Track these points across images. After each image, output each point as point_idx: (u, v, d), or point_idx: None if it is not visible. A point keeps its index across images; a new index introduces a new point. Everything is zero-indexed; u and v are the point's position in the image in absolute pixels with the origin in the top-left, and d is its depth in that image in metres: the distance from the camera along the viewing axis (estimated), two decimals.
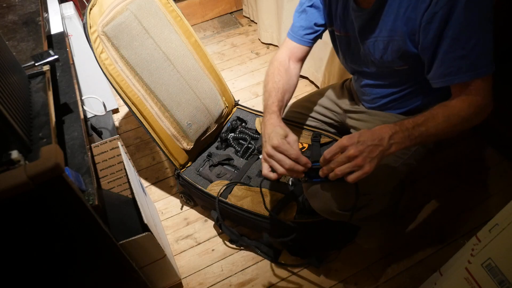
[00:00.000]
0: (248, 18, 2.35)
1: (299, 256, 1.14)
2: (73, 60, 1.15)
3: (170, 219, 1.36)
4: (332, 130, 1.21)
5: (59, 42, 1.07)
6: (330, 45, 1.58)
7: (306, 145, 1.18)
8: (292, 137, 0.81)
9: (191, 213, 1.37)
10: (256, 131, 1.31)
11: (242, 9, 2.40)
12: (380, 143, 0.69)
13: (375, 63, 0.89)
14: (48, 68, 0.82)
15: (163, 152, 1.15)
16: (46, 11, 1.22)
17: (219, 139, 1.33)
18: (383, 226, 1.17)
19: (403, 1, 0.75)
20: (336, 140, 1.17)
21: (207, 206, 1.24)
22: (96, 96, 1.37)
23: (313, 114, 1.21)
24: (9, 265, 0.60)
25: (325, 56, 1.64)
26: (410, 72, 0.87)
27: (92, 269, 0.73)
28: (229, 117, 1.38)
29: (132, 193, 0.97)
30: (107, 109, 1.71)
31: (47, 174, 0.48)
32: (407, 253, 1.18)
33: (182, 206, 1.40)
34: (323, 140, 1.18)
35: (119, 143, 1.07)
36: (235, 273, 1.19)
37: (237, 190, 1.13)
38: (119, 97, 1.07)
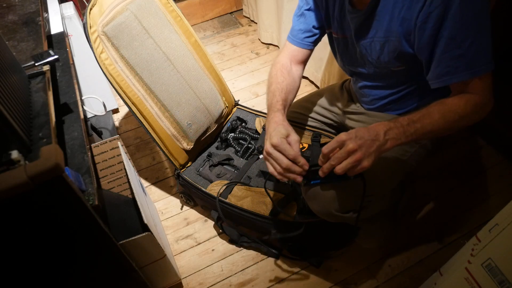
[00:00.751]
0: (248, 18, 2.35)
1: (299, 256, 1.14)
2: (73, 60, 1.15)
3: (170, 219, 1.36)
4: (332, 130, 1.22)
5: (59, 42, 1.07)
6: (329, 44, 1.58)
7: (306, 145, 1.18)
8: (293, 137, 0.81)
9: (191, 213, 1.37)
10: (256, 131, 1.31)
11: (242, 9, 2.40)
12: (377, 138, 0.70)
13: (373, 64, 0.89)
14: (48, 68, 0.82)
15: (163, 152, 1.15)
16: (46, 11, 1.22)
17: (219, 139, 1.33)
18: (383, 226, 1.17)
19: (398, 1, 0.74)
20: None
21: (207, 206, 1.24)
22: (96, 96, 1.37)
23: (312, 115, 1.21)
24: (9, 265, 0.60)
25: (325, 56, 1.64)
26: (407, 72, 0.87)
27: (92, 269, 0.73)
28: (229, 117, 1.38)
29: (132, 193, 0.97)
30: (107, 109, 1.71)
31: (47, 174, 0.48)
32: (407, 253, 1.18)
33: (182, 206, 1.40)
34: (323, 140, 1.18)
35: (119, 143, 1.07)
36: (235, 273, 1.19)
37: (237, 190, 1.13)
38: (119, 97, 1.07)
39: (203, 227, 1.32)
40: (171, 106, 1.13)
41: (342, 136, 0.70)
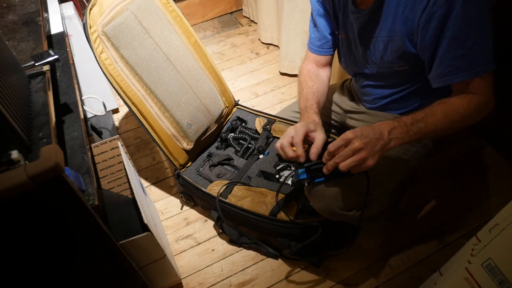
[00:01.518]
0: (248, 18, 2.35)
1: (299, 256, 1.14)
2: (73, 60, 1.15)
3: (170, 219, 1.36)
4: (332, 130, 1.22)
5: (59, 42, 1.07)
6: None
7: (306, 145, 1.18)
8: (319, 134, 0.84)
9: (191, 213, 1.37)
10: (256, 131, 1.31)
11: (242, 9, 2.40)
12: (381, 137, 0.70)
13: (376, 64, 0.90)
14: (48, 68, 0.82)
15: (163, 152, 1.15)
16: (46, 11, 1.22)
17: (219, 139, 1.33)
18: (383, 226, 1.17)
19: (401, 1, 0.75)
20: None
21: (207, 206, 1.24)
22: (96, 96, 1.37)
23: None
24: (9, 265, 0.60)
25: None
26: (410, 72, 0.87)
27: (92, 269, 0.73)
28: (229, 117, 1.38)
29: (132, 193, 0.97)
30: (107, 109, 1.71)
31: (47, 174, 0.48)
32: (407, 253, 1.18)
33: (182, 206, 1.40)
34: None
35: (119, 143, 1.07)
36: (235, 273, 1.19)
37: (237, 190, 1.13)
38: (119, 97, 1.07)
39: (203, 227, 1.32)
40: (171, 106, 1.13)
41: (348, 134, 0.70)
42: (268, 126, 1.29)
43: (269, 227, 1.06)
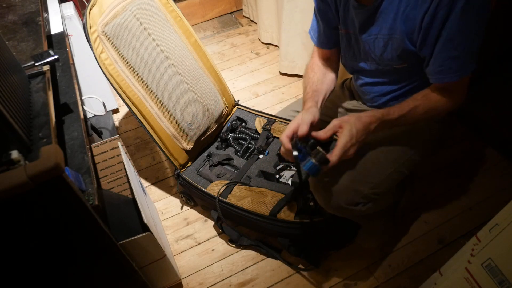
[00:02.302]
0: (248, 18, 2.35)
1: (299, 256, 1.14)
2: (73, 60, 1.14)
3: (170, 219, 1.36)
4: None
5: (59, 42, 1.07)
6: None
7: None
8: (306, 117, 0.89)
9: (191, 213, 1.37)
10: (256, 131, 1.31)
11: (242, 9, 2.40)
12: (367, 131, 0.80)
13: (375, 61, 0.90)
14: (48, 68, 0.82)
15: (163, 152, 1.15)
16: (46, 11, 1.22)
17: (219, 139, 1.33)
18: (383, 226, 1.17)
19: (403, 1, 0.76)
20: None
21: (207, 206, 1.24)
22: (96, 96, 1.37)
23: None
24: (9, 265, 0.60)
25: None
26: (409, 70, 0.88)
27: (92, 269, 0.73)
28: (229, 117, 1.38)
29: (132, 193, 0.97)
30: (107, 109, 1.71)
31: (47, 174, 0.48)
32: (407, 253, 1.18)
33: (182, 206, 1.40)
34: None
35: (119, 143, 1.07)
36: (235, 273, 1.19)
37: (237, 190, 1.13)
38: (119, 97, 1.07)
39: (203, 227, 1.32)
40: (171, 106, 1.13)
41: (346, 140, 0.77)
42: (268, 126, 1.29)
43: (269, 227, 1.06)
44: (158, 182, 1.50)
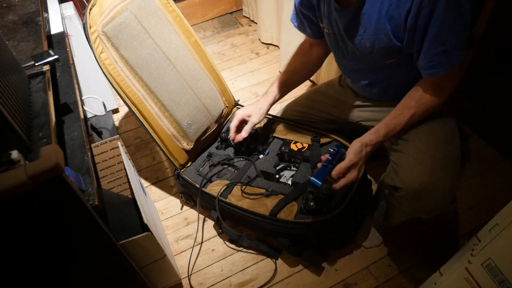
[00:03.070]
0: (248, 18, 2.35)
1: (299, 256, 1.14)
2: (73, 60, 1.15)
3: (170, 219, 1.36)
4: (334, 127, 1.21)
5: (59, 42, 1.07)
6: None
7: (306, 145, 1.18)
8: (253, 118, 1.13)
9: (191, 213, 1.37)
10: (256, 131, 1.31)
11: (242, 9, 2.40)
12: (364, 154, 0.86)
13: (364, 59, 0.91)
14: (48, 68, 0.82)
15: (163, 152, 1.15)
16: (46, 11, 1.22)
17: (219, 139, 1.33)
18: (383, 226, 1.17)
19: (384, 1, 0.76)
20: (336, 140, 1.17)
21: (207, 206, 1.24)
22: (96, 96, 1.37)
23: (315, 112, 1.21)
24: (9, 264, 0.60)
25: None
26: (399, 64, 0.89)
27: (92, 269, 0.73)
28: (229, 117, 1.38)
29: (132, 193, 0.97)
30: (107, 109, 1.71)
31: (47, 174, 0.48)
32: (407, 253, 1.18)
33: (182, 206, 1.40)
34: (323, 140, 1.18)
35: (119, 143, 1.07)
36: (235, 273, 1.19)
37: (237, 190, 1.13)
38: (119, 97, 1.07)
39: (203, 227, 1.32)
40: (171, 106, 1.13)
41: (353, 161, 0.84)
42: (268, 126, 1.29)
43: (269, 227, 1.06)
44: (158, 182, 1.50)
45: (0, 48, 0.68)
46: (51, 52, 0.82)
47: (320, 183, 0.81)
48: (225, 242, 1.27)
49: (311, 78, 1.85)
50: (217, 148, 1.32)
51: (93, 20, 0.99)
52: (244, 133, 1.12)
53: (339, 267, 1.17)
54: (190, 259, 1.22)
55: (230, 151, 1.29)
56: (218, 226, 1.22)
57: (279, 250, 1.20)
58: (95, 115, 1.55)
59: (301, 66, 1.14)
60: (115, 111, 1.82)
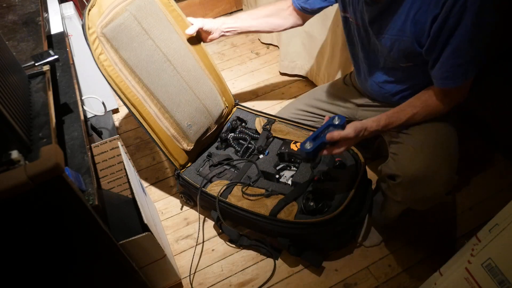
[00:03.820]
0: None
1: (299, 256, 1.14)
2: (73, 60, 1.15)
3: (170, 219, 1.36)
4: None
5: (59, 42, 1.07)
6: (329, 45, 1.58)
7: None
8: (206, 24, 1.18)
9: (191, 213, 1.37)
10: (256, 131, 1.31)
11: (242, 9, 2.39)
12: (359, 136, 0.87)
13: (382, 56, 0.92)
14: (48, 68, 0.82)
15: (163, 152, 1.15)
16: (46, 11, 1.22)
17: (219, 139, 1.33)
18: (384, 225, 1.17)
19: (414, 3, 0.77)
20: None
21: (207, 206, 1.24)
22: (96, 96, 1.37)
23: (318, 112, 1.22)
24: (9, 265, 0.60)
25: (324, 56, 1.63)
26: (415, 69, 0.89)
27: (92, 269, 0.73)
28: (229, 117, 1.38)
29: (132, 193, 0.97)
30: (107, 109, 1.71)
31: (47, 174, 0.48)
32: (407, 253, 1.18)
33: (182, 206, 1.40)
34: None
35: (119, 143, 1.07)
36: (235, 273, 1.19)
37: (237, 190, 1.13)
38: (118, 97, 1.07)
39: (203, 227, 1.32)
40: (170, 107, 1.13)
41: (351, 135, 0.85)
42: (268, 126, 1.29)
43: (269, 227, 1.06)
44: (158, 182, 1.50)
45: (0, 48, 0.68)
46: (51, 52, 0.82)
47: (311, 150, 0.84)
48: (225, 242, 1.27)
49: (310, 79, 1.85)
50: (217, 148, 1.32)
51: (92, 21, 0.99)
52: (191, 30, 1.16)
53: (339, 267, 1.17)
54: (193, 258, 1.22)
55: (230, 151, 1.29)
56: (218, 226, 1.22)
57: (279, 250, 1.20)
58: (95, 115, 1.55)
59: (271, 20, 1.18)
60: (115, 111, 1.82)
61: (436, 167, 0.86)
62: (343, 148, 0.87)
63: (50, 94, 0.77)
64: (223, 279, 1.18)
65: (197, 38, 1.25)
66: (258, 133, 1.30)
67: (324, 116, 1.21)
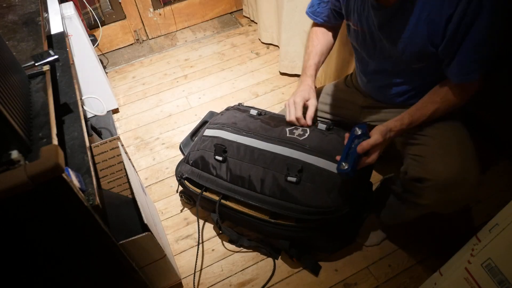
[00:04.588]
0: (248, 18, 2.35)
1: (299, 259, 1.14)
2: (73, 60, 1.14)
3: (170, 219, 1.36)
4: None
5: (59, 42, 1.07)
6: None
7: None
8: (312, 101, 1.04)
9: (191, 213, 1.37)
10: None
11: (242, 9, 2.40)
12: (387, 139, 0.86)
13: (392, 60, 0.90)
14: (48, 68, 0.82)
15: None
16: (46, 11, 1.22)
17: None
18: (384, 224, 1.17)
19: (426, 5, 0.76)
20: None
21: (207, 207, 1.24)
22: (96, 96, 1.37)
23: (319, 114, 1.21)
24: (9, 265, 0.60)
25: None
26: (426, 69, 0.88)
27: (92, 269, 0.73)
28: None
29: (132, 193, 0.97)
30: (107, 109, 1.71)
31: (47, 174, 0.48)
32: (407, 253, 1.18)
33: (182, 208, 1.40)
34: None
35: (119, 143, 1.07)
36: (235, 273, 1.19)
37: None
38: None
39: (203, 227, 1.32)
40: None
41: (379, 140, 0.84)
42: None
43: (270, 229, 1.06)
44: (158, 182, 1.50)
45: (0, 48, 0.68)
46: (51, 52, 0.82)
47: (349, 169, 0.82)
48: (225, 242, 1.27)
49: None
50: None
51: None
52: (310, 121, 1.04)
53: (339, 267, 1.17)
54: (196, 258, 1.21)
55: None
56: (218, 226, 1.22)
57: (279, 250, 1.20)
58: (95, 115, 1.56)
59: (326, 45, 1.14)
60: (115, 111, 1.82)
61: (467, 170, 0.84)
62: (375, 155, 0.85)
63: (50, 94, 0.77)
64: (223, 279, 1.18)
65: None
66: None
67: (327, 119, 1.20)
